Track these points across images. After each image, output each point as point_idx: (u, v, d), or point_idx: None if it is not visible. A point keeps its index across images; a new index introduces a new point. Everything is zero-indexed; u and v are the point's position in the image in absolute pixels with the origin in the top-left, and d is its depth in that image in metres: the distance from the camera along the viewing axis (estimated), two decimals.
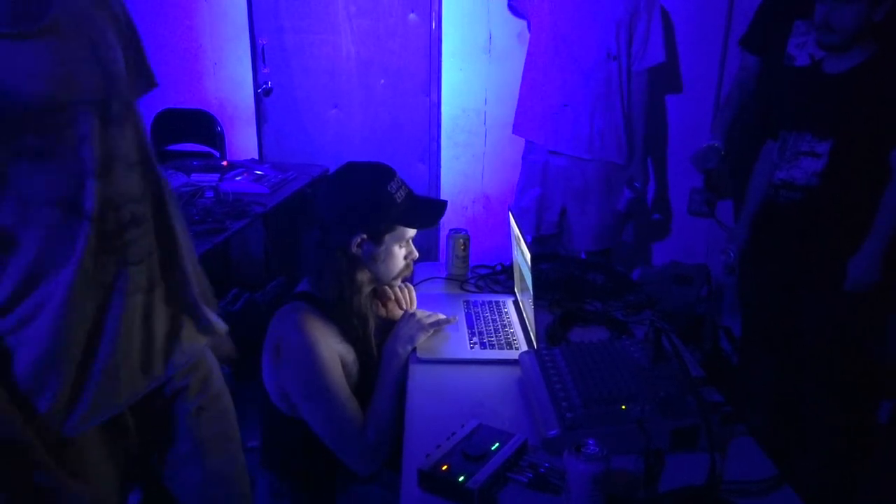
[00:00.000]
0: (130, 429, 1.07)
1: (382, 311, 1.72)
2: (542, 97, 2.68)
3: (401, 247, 1.57)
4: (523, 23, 2.95)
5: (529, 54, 2.75)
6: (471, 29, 3.12)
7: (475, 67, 3.17)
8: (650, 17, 2.56)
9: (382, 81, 3.32)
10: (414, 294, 1.79)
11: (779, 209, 2.09)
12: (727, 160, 2.47)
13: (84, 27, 0.91)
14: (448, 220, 3.42)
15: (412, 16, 3.20)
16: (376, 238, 1.51)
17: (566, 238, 2.79)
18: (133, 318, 1.00)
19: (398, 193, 1.52)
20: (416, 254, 1.64)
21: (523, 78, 2.78)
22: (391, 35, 3.24)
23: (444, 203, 1.63)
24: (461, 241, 2.06)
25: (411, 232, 1.58)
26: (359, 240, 1.49)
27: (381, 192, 1.50)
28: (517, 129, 2.83)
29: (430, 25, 3.20)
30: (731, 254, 2.28)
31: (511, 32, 3.05)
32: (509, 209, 1.98)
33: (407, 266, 1.62)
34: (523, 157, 2.85)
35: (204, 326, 1.16)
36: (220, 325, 1.20)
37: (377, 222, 1.50)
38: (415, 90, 3.33)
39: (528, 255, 1.56)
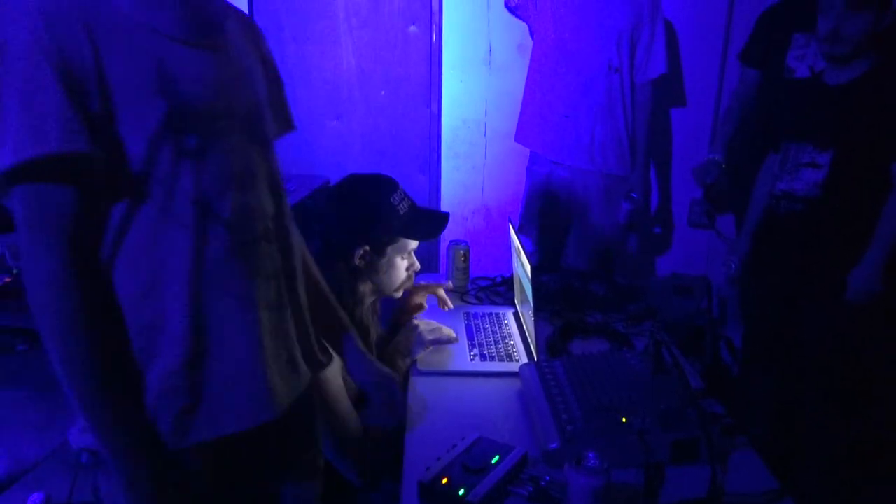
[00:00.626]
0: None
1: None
2: (544, 107, 2.69)
3: (403, 258, 1.58)
4: (523, 34, 2.96)
5: (532, 63, 2.76)
6: (471, 41, 3.13)
7: (475, 78, 3.18)
8: (654, 28, 2.56)
9: (383, 93, 3.33)
10: (443, 292, 1.83)
11: (780, 220, 2.09)
12: (727, 173, 2.47)
13: (242, 55, 1.04)
14: (448, 232, 3.38)
15: (413, 28, 3.21)
16: (379, 249, 1.52)
17: (569, 249, 2.79)
18: (265, 332, 1.01)
19: (401, 205, 1.52)
20: (417, 265, 1.64)
21: (526, 87, 2.79)
22: (392, 47, 3.25)
23: (446, 215, 1.64)
24: (461, 252, 2.06)
25: (413, 244, 1.59)
26: (361, 251, 1.50)
27: (383, 204, 1.50)
28: (519, 137, 2.84)
29: (431, 37, 3.21)
30: (733, 265, 2.28)
31: (511, 44, 3.06)
32: (509, 220, 1.98)
33: (409, 277, 1.63)
34: (528, 168, 2.85)
35: (315, 360, 1.18)
36: (329, 360, 1.24)
37: (380, 234, 1.51)
38: (415, 101, 3.34)
39: (528, 267, 1.56)
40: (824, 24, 1.88)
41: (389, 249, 1.53)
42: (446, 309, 1.87)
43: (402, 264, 1.59)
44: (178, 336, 0.91)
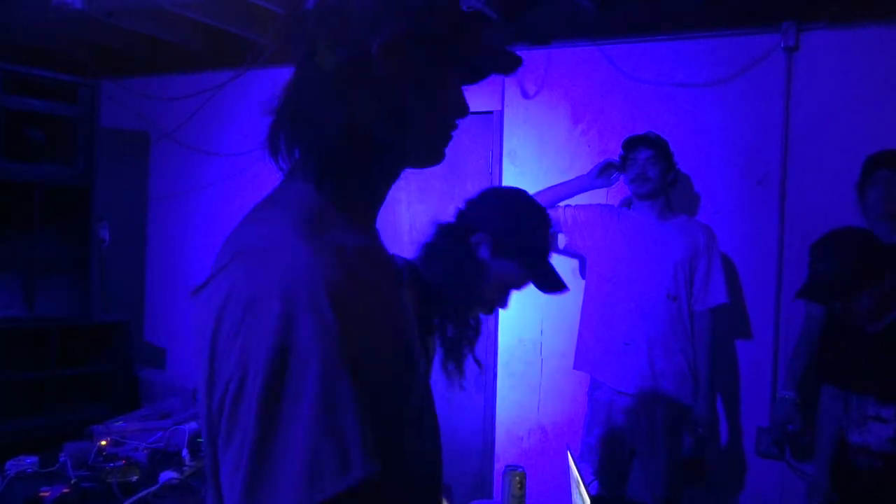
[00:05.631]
0: None
1: None
2: (602, 334, 2.71)
3: (503, 287, 1.50)
4: (580, 261, 3.08)
5: (587, 291, 2.83)
6: None
7: (531, 299, 3.24)
8: (710, 259, 2.62)
9: None
10: None
11: (860, 475, 2.00)
12: (801, 410, 2.41)
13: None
14: (503, 452, 3.33)
15: None
16: (502, 251, 1.45)
17: (633, 482, 2.65)
18: None
19: (544, 241, 1.50)
20: (506, 306, 1.55)
21: (582, 314, 2.83)
22: None
23: (564, 285, 1.55)
24: (517, 479, 1.99)
25: (523, 284, 1.52)
26: (482, 237, 1.45)
27: (539, 225, 1.49)
28: (578, 364, 2.83)
29: None
30: None
31: (566, 267, 3.18)
32: (568, 449, 1.93)
33: (489, 307, 1.54)
34: (588, 394, 2.81)
35: None
36: None
37: (516, 243, 1.46)
38: None
39: (588, 501, 1.49)
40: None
41: (505, 265, 1.46)
42: None
43: (499, 289, 1.50)
44: None
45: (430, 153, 0.88)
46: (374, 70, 0.80)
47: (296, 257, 0.73)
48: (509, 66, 0.94)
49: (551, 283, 1.51)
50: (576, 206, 2.85)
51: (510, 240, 1.46)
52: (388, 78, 0.80)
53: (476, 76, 0.94)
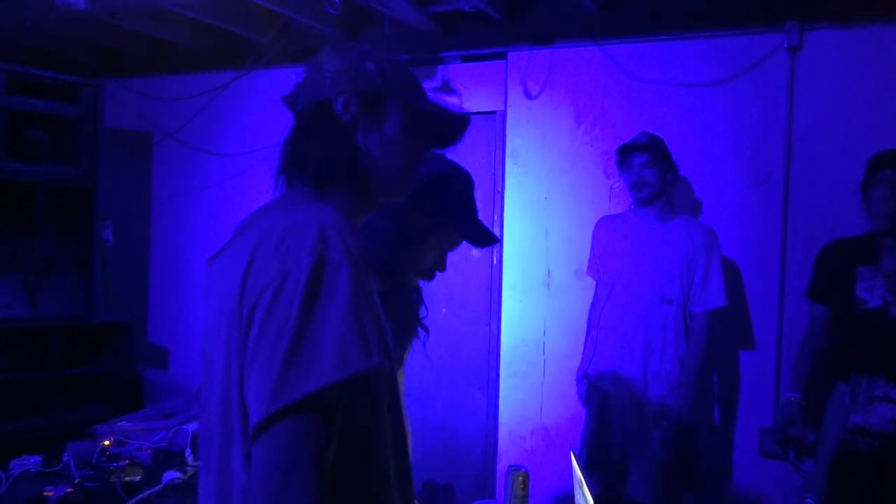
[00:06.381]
0: None
1: None
2: (600, 337, 2.73)
3: (435, 244, 1.53)
4: (581, 259, 3.08)
5: (594, 295, 2.86)
6: (530, 264, 3.28)
7: (534, 300, 3.28)
8: (709, 260, 2.61)
9: (444, 311, 3.44)
10: None
11: (858, 457, 1.99)
12: (805, 411, 2.41)
13: None
14: (506, 452, 3.33)
15: (475, 252, 3.40)
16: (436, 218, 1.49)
17: (630, 482, 2.65)
18: None
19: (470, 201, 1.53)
20: (443, 267, 1.59)
21: (588, 317, 2.87)
22: (454, 268, 3.40)
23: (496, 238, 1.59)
24: (520, 479, 1.99)
25: (454, 242, 1.55)
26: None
27: (463, 181, 1.52)
28: (584, 369, 2.84)
29: (492, 261, 3.38)
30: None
31: (569, 268, 3.18)
32: (570, 449, 1.93)
33: (429, 269, 1.57)
34: (585, 393, 2.82)
35: None
36: None
37: (447, 208, 1.49)
38: (475, 320, 3.43)
39: (590, 500, 1.49)
40: (890, 262, 1.92)
41: (434, 228, 1.50)
42: None
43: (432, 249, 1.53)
44: None
45: (395, 190, 1.11)
46: (338, 118, 1.05)
47: (323, 209, 0.93)
48: (454, 135, 1.19)
49: (481, 237, 1.56)
50: (592, 252, 2.88)
51: (434, 202, 1.49)
52: (348, 124, 1.05)
53: (433, 141, 1.18)
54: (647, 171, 2.61)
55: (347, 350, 0.82)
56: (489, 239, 1.56)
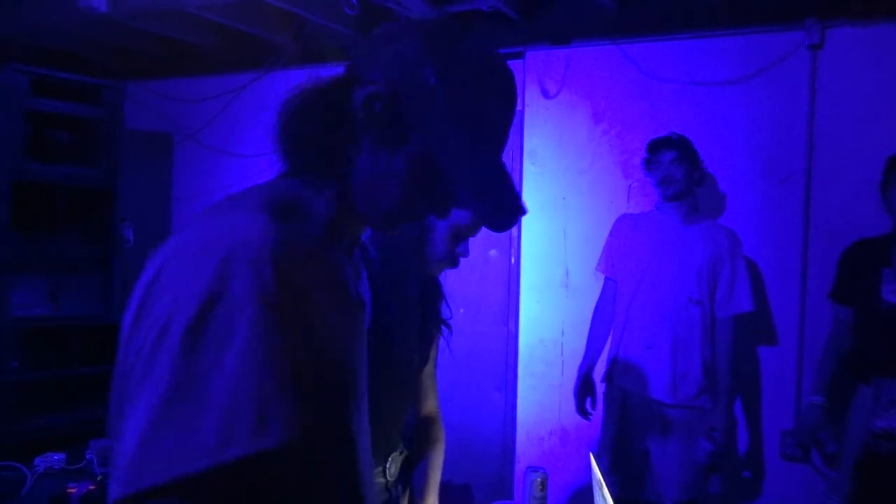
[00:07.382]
0: None
1: None
2: (626, 338, 2.70)
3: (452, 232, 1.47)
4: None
5: (602, 292, 2.83)
6: (548, 264, 3.27)
7: (552, 300, 3.27)
8: (734, 265, 2.59)
9: (462, 311, 3.44)
10: None
11: (881, 460, 1.96)
12: (829, 415, 2.38)
13: None
14: (524, 453, 3.32)
15: (493, 252, 3.40)
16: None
17: (650, 482, 2.64)
18: None
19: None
20: (467, 252, 1.50)
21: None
22: (472, 268, 3.42)
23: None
24: (539, 481, 1.98)
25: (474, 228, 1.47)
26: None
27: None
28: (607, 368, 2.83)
29: (510, 260, 3.38)
30: None
31: (588, 268, 3.17)
32: (590, 452, 1.93)
33: (450, 259, 1.49)
34: (603, 393, 2.82)
35: None
36: None
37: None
38: (493, 320, 3.43)
39: (611, 503, 1.48)
40: None
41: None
42: None
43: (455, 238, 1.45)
44: None
45: (381, 222, 0.90)
46: (353, 109, 0.85)
47: (248, 223, 0.72)
48: (497, 225, 0.98)
49: (502, 221, 1.49)
50: (608, 248, 2.84)
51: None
52: (360, 122, 0.84)
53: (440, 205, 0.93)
54: (675, 168, 2.60)
55: (234, 422, 0.61)
56: (510, 222, 1.46)
